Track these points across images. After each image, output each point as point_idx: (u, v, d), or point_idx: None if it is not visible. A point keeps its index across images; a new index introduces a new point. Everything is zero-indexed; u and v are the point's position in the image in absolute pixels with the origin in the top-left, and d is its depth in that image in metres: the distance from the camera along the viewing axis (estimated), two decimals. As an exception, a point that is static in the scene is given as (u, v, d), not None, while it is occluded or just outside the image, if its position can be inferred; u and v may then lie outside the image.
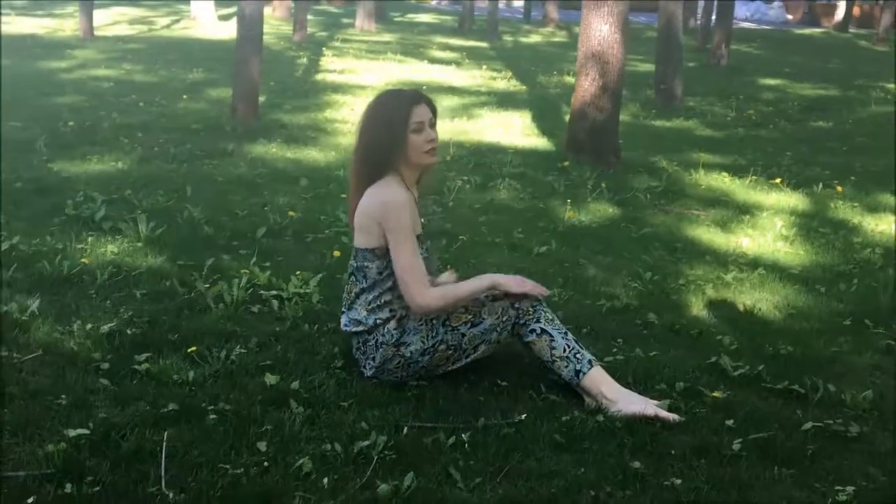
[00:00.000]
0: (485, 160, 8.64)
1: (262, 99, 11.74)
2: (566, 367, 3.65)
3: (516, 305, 3.71)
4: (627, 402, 3.60)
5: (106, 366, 3.79)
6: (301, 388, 3.69)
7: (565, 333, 3.70)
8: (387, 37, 23.77)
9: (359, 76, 14.95)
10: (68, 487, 2.90)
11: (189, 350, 3.95)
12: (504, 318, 3.70)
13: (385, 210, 3.62)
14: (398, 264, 3.66)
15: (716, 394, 3.87)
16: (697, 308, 5.01)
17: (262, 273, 4.88)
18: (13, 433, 3.21)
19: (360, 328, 3.78)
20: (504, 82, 15.67)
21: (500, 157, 8.78)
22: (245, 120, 9.59)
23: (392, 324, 3.75)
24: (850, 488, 3.18)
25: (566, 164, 8.54)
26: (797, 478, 3.28)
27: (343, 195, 6.80)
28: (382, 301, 3.77)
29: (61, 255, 5.05)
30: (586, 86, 8.60)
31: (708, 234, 6.62)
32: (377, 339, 3.74)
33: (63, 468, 2.99)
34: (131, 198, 6.35)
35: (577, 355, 3.66)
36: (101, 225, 5.72)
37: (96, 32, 19.15)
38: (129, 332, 4.13)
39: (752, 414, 3.72)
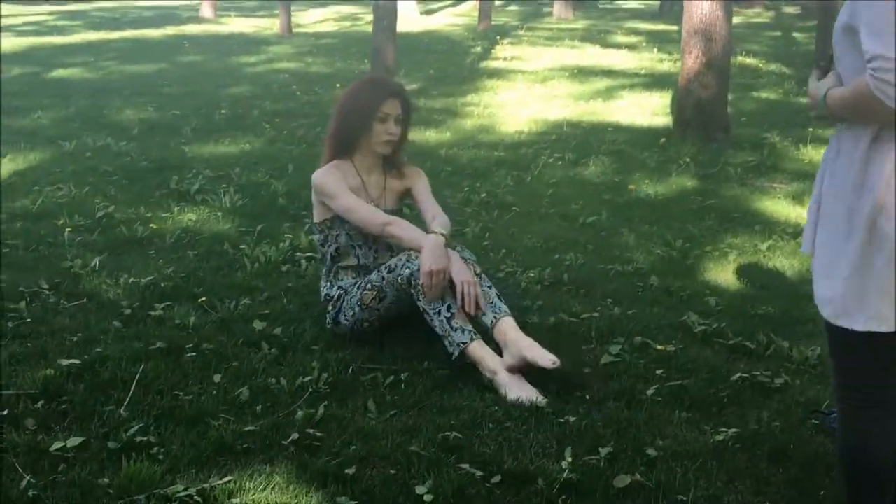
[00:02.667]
0: (590, 138, 8.75)
1: (414, 85, 12.28)
2: (447, 344, 3.82)
3: (413, 281, 3.89)
4: (505, 374, 3.64)
5: (128, 311, 4.30)
6: (282, 334, 4.08)
7: (439, 312, 3.77)
8: (579, 24, 23.82)
9: (523, 63, 15.19)
10: (40, 404, 3.41)
11: (200, 300, 4.41)
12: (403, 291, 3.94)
13: (316, 186, 4.10)
14: (346, 213, 4.03)
15: (662, 347, 3.99)
16: (710, 273, 5.07)
17: (305, 237, 5.31)
18: (23, 361, 3.76)
19: (323, 301, 4.17)
20: (669, 65, 15.50)
21: (608, 136, 8.87)
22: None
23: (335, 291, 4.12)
24: (732, 430, 3.27)
25: (663, 140, 8.54)
26: (692, 420, 3.40)
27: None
28: (331, 275, 4.16)
29: (141, 221, 5.64)
30: (690, 63, 8.57)
31: (774, 206, 6.56)
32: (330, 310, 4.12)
33: (44, 389, 3.50)
34: (235, 175, 6.93)
35: (449, 337, 3.79)
36: (195, 197, 6.30)
37: (303, 30, 20.28)
38: (162, 284, 4.64)
39: (686, 365, 3.83)
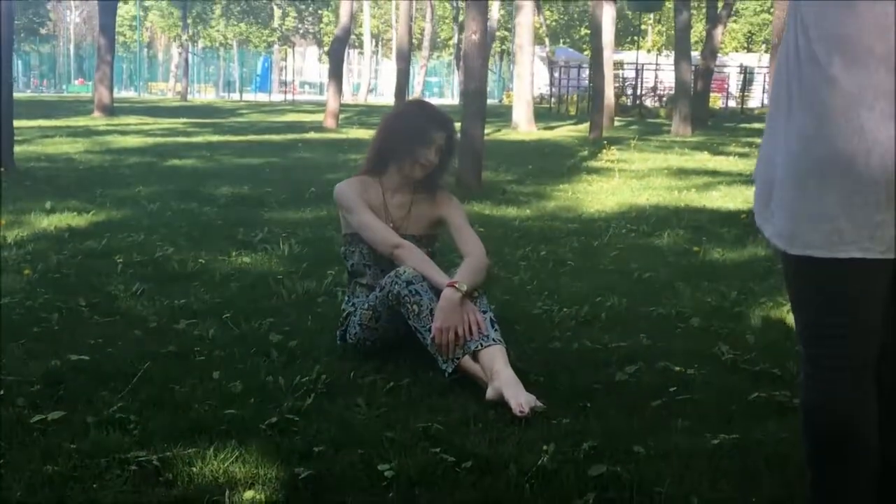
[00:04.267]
0: (672, 217, 8.59)
1: (509, 177, 12.36)
2: (440, 362, 3.67)
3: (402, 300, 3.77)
4: (504, 377, 3.46)
5: (154, 325, 4.34)
6: (295, 346, 4.04)
7: (430, 330, 3.64)
8: (696, 138, 23.74)
9: (626, 164, 15.15)
10: (36, 387, 3.43)
11: (225, 316, 4.42)
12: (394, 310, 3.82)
13: (336, 197, 4.09)
14: (360, 229, 3.97)
15: (681, 369, 3.80)
16: (756, 318, 4.83)
17: (348, 276, 5.30)
18: (37, 357, 3.80)
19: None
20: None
21: (690, 216, 8.69)
22: (467, 185, 10.14)
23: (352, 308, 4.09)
24: (731, 436, 3.06)
25: (744, 216, 8.31)
26: (693, 429, 3.20)
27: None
28: (350, 290, 4.16)
29: (196, 260, 5.73)
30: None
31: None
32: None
33: (44, 378, 3.52)
34: (303, 231, 7.02)
35: (442, 354, 3.65)
36: (256, 246, 6.39)
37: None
38: (194, 306, 4.68)
39: (702, 385, 3.63)
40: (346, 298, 4.18)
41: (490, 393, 3.40)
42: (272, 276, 5.43)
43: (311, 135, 21.32)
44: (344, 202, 4.03)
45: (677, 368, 3.81)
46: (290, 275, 5.48)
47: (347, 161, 14.48)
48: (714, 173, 13.98)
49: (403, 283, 3.71)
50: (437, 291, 3.72)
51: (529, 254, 6.47)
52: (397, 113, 4.16)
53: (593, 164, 15.14)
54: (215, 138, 18.94)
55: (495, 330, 3.62)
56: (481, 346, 3.56)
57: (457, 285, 3.66)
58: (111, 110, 26.02)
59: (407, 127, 4.02)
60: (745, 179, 12.80)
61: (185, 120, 25.88)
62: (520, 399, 3.27)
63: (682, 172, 13.78)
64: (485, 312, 3.68)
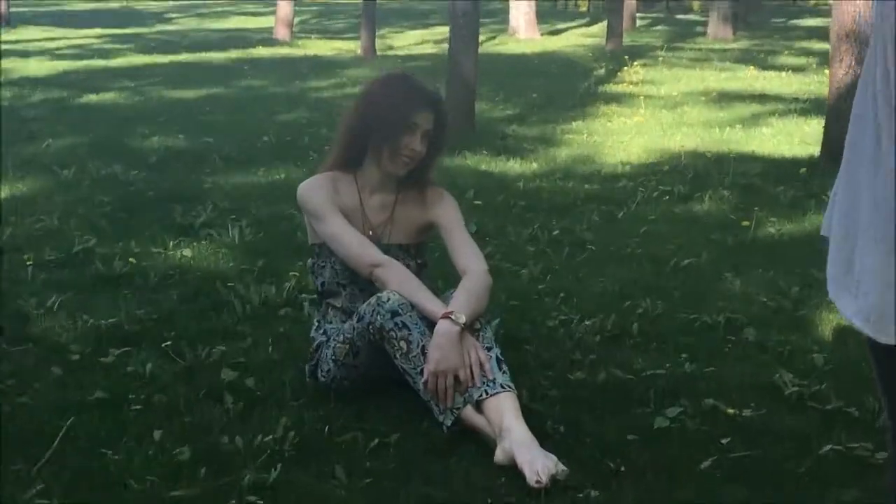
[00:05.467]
0: (713, 170, 8.56)
1: (508, 111, 12.30)
2: (437, 412, 3.64)
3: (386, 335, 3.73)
4: (515, 434, 3.44)
5: (75, 357, 4.31)
6: (254, 386, 4.01)
7: (422, 372, 3.61)
8: (738, 44, 23.65)
9: (654, 87, 15.10)
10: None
11: (165, 345, 4.39)
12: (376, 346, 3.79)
13: (300, 202, 4.03)
14: (330, 241, 3.93)
15: (734, 410, 3.79)
16: (824, 327, 4.83)
17: (315, 277, 5.27)
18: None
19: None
20: (839, 88, 15.20)
21: (737, 167, 8.67)
22: (456, 129, 10.04)
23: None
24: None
25: (803, 171, 8.29)
26: (753, 500, 3.19)
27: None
28: (321, 313, 4.13)
29: (125, 256, 5.68)
30: (840, 75, 8.34)
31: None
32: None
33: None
34: (255, 207, 6.96)
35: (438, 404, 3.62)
36: (198, 231, 6.34)
37: (393, 52, 20.63)
38: (126, 327, 4.64)
39: (763, 433, 3.63)
40: (316, 324, 4.15)
41: (499, 455, 3.39)
42: (221, 277, 5.39)
43: (260, 51, 21.18)
44: (310, 207, 3.98)
45: (730, 410, 3.80)
46: (243, 276, 5.44)
47: (307, 92, 14.40)
48: (763, 98, 13.97)
49: (387, 313, 3.68)
50: (429, 322, 3.69)
51: (539, 233, 6.44)
52: (370, 90, 4.07)
53: (612, 88, 15.10)
54: (139, 60, 18.79)
55: (503, 372, 3.60)
56: (486, 393, 3.54)
57: (453, 316, 3.63)
58: (6, 20, 25.69)
59: (383, 109, 3.93)
60: (800, 107, 12.81)
61: (100, 32, 25.61)
62: (536, 465, 3.25)
63: (723, 99, 13.75)
64: (489, 349, 3.66)
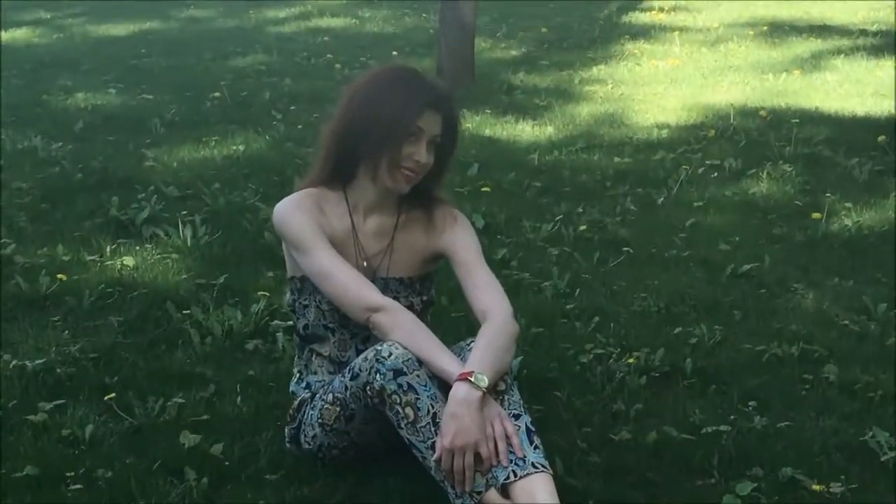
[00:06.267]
0: (771, 135, 8.48)
1: (514, 52, 12.20)
2: (452, 496, 3.56)
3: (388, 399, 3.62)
4: None
5: (-1, 414, 4.21)
6: (222, 454, 3.93)
7: (432, 448, 3.49)
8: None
9: (689, 16, 14.98)
10: None
11: (109, 397, 4.30)
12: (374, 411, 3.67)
13: (277, 228, 3.90)
14: (317, 279, 3.81)
15: (821, 486, 3.72)
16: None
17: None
18: None
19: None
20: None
21: (800, 131, 8.59)
22: (455, 82, 9.94)
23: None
24: None
25: (882, 139, 8.20)
26: None
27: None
28: (303, 361, 4.04)
29: (51, 269, 5.58)
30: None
31: None
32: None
33: None
34: (209, 194, 6.85)
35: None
36: (141, 230, 6.24)
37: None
38: (58, 371, 4.55)
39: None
40: (297, 374, 4.05)
41: None
42: (172, 296, 5.30)
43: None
44: (291, 236, 3.85)
45: (816, 487, 3.73)
46: (200, 294, 5.35)
47: (264, 26, 14.23)
48: (823, 31, 13.85)
49: (389, 372, 3.56)
50: (442, 383, 3.59)
51: (562, 227, 6.36)
52: (363, 85, 3.91)
53: (638, 18, 14.98)
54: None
55: (535, 447, 3.50)
56: (514, 474, 3.44)
57: (472, 378, 3.51)
58: None
59: (378, 110, 3.79)
60: (870, 44, 12.67)
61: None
62: None
63: (775, 32, 13.62)
64: (518, 417, 3.56)
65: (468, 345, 3.73)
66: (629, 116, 9.31)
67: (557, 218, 6.54)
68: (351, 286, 3.76)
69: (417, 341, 3.65)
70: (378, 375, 3.57)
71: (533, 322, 5.07)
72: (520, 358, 4.52)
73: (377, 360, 3.59)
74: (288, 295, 4.10)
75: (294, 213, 3.86)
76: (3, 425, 4.16)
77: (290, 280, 4.03)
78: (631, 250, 6.08)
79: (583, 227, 6.38)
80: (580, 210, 6.71)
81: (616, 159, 7.95)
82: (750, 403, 4.35)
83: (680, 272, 5.79)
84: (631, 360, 4.68)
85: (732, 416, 4.25)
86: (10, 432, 4.11)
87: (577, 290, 5.49)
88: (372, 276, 3.88)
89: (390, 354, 3.58)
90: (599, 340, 4.90)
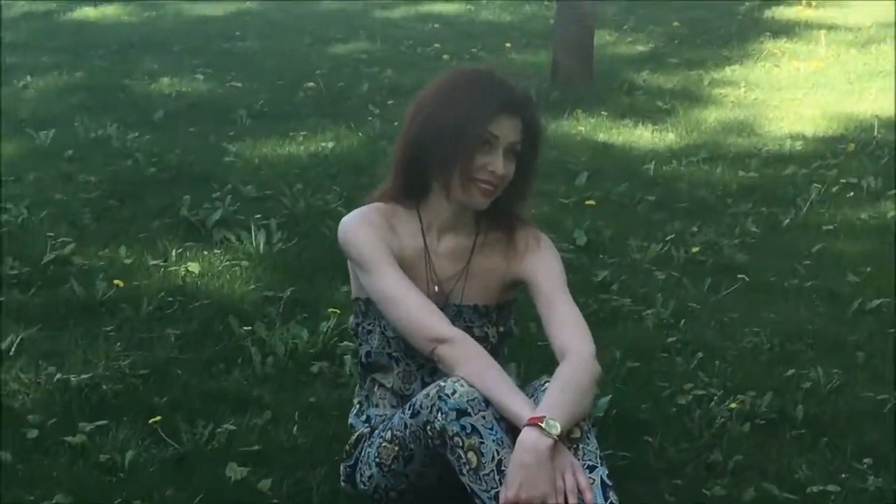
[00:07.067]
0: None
1: (640, 47, 12.09)
2: None
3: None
4: None
5: (33, 434, 4.22)
6: (270, 490, 3.90)
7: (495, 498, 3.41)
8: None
9: (838, 12, 14.71)
10: None
11: (154, 420, 4.28)
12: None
13: (342, 244, 3.81)
14: (381, 303, 3.74)
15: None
16: None
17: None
18: None
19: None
20: None
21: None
22: (570, 80, 9.89)
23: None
24: None
25: None
26: None
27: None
28: (365, 390, 3.98)
29: (110, 272, 5.60)
30: None
31: None
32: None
33: None
34: (289, 196, 6.85)
35: None
36: (211, 233, 6.25)
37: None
38: (104, 387, 4.55)
39: None
40: (357, 406, 4.00)
41: None
42: (236, 309, 5.29)
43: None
44: (355, 254, 3.79)
45: None
46: (265, 307, 5.35)
47: (372, 9, 14.22)
48: None
49: (452, 411, 3.49)
50: (510, 426, 3.51)
51: (672, 248, 6.27)
52: (432, 90, 3.81)
53: (783, 12, 14.73)
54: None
55: (610, 503, 3.43)
56: (587, 528, 3.37)
57: (543, 423, 3.43)
58: None
59: (448, 115, 3.70)
60: None
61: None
62: None
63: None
64: (592, 469, 3.48)
65: (542, 385, 3.64)
66: (761, 124, 9.17)
67: (668, 237, 6.45)
68: (415, 313, 3.69)
69: (486, 379, 3.57)
70: (440, 414, 3.50)
71: (629, 355, 4.98)
72: (608, 397, 4.44)
73: (439, 397, 3.52)
74: (352, 318, 4.04)
75: (360, 228, 3.79)
76: (39, 446, 4.16)
77: (354, 301, 3.97)
78: (747, 277, 5.97)
79: (695, 249, 6.28)
80: (695, 229, 6.61)
81: (741, 173, 7.82)
82: (865, 461, 4.24)
83: (800, 305, 5.68)
84: (734, 405, 4.58)
85: (844, 475, 4.13)
86: (46, 454, 4.11)
87: (682, 321, 5.41)
88: (444, 301, 3.81)
89: (454, 392, 3.51)
90: (701, 380, 4.81)
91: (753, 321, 5.43)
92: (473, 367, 3.60)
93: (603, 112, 9.27)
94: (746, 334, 5.30)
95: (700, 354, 5.05)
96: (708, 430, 4.41)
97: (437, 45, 12.08)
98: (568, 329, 3.73)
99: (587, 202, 6.99)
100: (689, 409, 4.57)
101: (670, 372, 4.90)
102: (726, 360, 5.02)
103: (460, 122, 3.64)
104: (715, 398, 4.63)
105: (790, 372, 4.90)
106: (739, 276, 5.99)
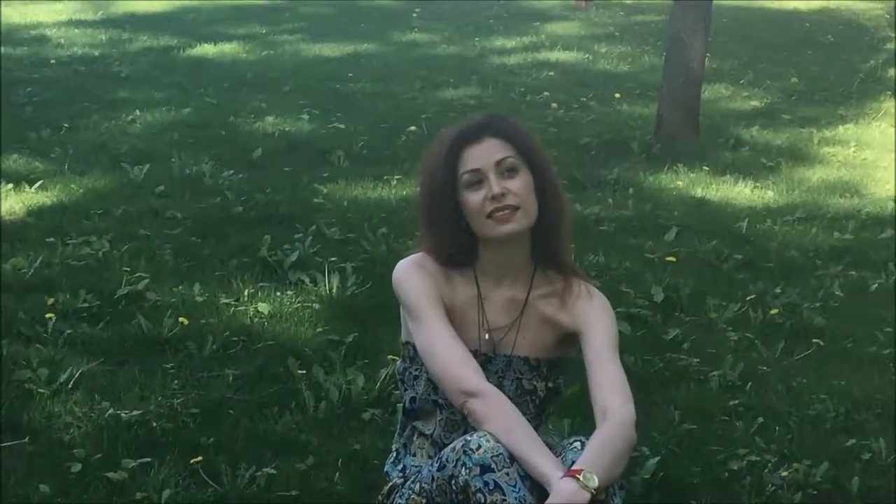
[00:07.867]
0: None
1: (755, 101, 11.97)
2: None
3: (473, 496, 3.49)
4: None
5: (76, 468, 4.26)
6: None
7: None
8: None
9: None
10: None
11: (193, 461, 4.30)
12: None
13: (395, 287, 3.79)
14: (423, 352, 3.72)
15: None
16: None
17: (424, 363, 5.14)
18: None
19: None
20: None
21: None
22: (674, 133, 9.81)
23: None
24: None
25: None
26: None
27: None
28: (403, 437, 3.94)
29: (180, 309, 5.65)
30: None
31: None
32: None
33: None
34: (370, 238, 6.86)
35: None
36: (287, 275, 6.27)
37: None
38: (154, 425, 4.59)
39: None
40: (395, 454, 3.97)
41: None
42: (297, 352, 5.30)
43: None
44: (404, 298, 3.76)
45: None
46: (328, 350, 5.35)
47: (487, 55, 14.25)
48: None
49: (476, 466, 3.46)
50: (534, 484, 3.47)
51: (750, 309, 6.17)
52: (424, 163, 3.85)
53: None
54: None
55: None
56: None
57: (581, 477, 3.38)
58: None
59: (429, 176, 3.74)
60: None
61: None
62: None
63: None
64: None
65: (571, 444, 3.60)
66: (865, 186, 9.03)
67: (749, 297, 6.35)
68: (452, 365, 3.66)
69: (513, 435, 3.54)
70: (464, 469, 3.48)
71: (687, 417, 4.92)
72: (657, 458, 4.38)
73: (465, 451, 3.50)
74: (399, 362, 4.01)
75: (413, 274, 3.76)
76: (79, 481, 4.20)
77: (403, 345, 3.94)
78: (822, 342, 5.85)
79: (774, 311, 6.18)
80: (777, 290, 6.51)
81: (836, 234, 7.70)
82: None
83: (874, 373, 5.57)
84: (786, 473, 4.49)
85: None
86: (85, 489, 4.16)
87: (749, 384, 5.32)
88: (492, 349, 3.79)
89: (479, 447, 3.48)
90: (757, 445, 4.74)
91: (822, 388, 5.34)
92: (502, 424, 3.57)
93: (704, 167, 9.19)
94: (813, 401, 5.20)
95: (761, 419, 4.97)
96: (757, 497, 4.37)
97: (546, 92, 12.06)
98: (611, 390, 3.68)
99: (667, 258, 6.91)
100: (740, 475, 4.51)
101: (727, 436, 4.82)
102: (787, 426, 4.94)
103: (437, 178, 3.67)
104: (769, 465, 4.57)
105: (850, 442, 4.80)
106: (815, 340, 5.89)
